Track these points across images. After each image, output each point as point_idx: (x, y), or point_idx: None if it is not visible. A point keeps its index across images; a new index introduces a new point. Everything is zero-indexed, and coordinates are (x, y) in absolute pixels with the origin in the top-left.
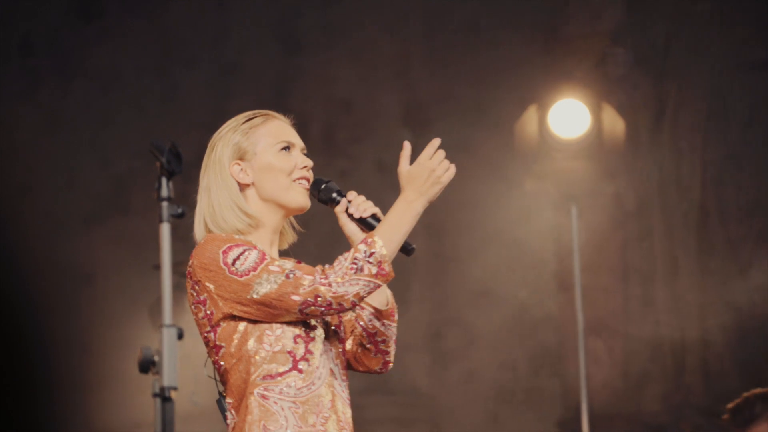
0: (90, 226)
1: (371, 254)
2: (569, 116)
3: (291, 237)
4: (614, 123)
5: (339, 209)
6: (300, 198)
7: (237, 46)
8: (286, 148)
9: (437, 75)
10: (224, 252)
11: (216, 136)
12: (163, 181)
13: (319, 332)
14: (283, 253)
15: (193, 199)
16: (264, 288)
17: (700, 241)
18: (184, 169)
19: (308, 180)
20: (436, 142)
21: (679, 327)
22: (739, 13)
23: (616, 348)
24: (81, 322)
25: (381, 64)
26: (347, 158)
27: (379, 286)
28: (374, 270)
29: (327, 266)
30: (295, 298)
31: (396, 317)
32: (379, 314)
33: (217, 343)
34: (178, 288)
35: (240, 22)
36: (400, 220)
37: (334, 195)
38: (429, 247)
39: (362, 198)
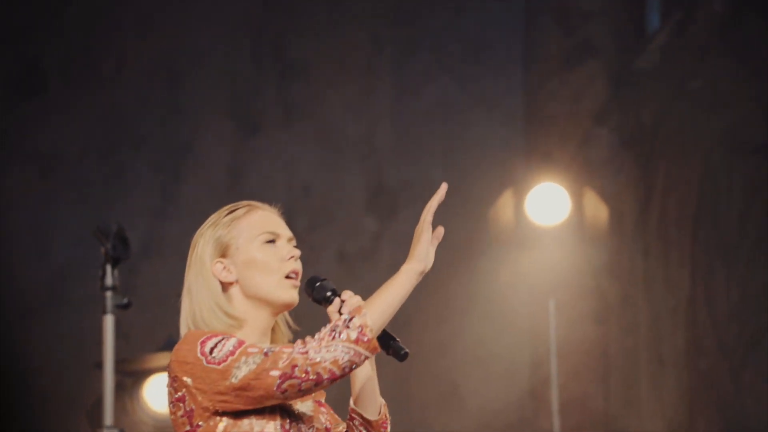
0: (26, 319)
1: (351, 319)
2: (548, 202)
3: (286, 335)
4: (597, 209)
5: (332, 309)
6: (287, 294)
7: (189, 126)
8: (271, 240)
9: (405, 157)
10: (201, 343)
11: (198, 232)
12: (108, 268)
13: None
14: None
15: (142, 291)
16: (242, 371)
17: (688, 340)
18: (130, 259)
19: (297, 273)
20: (441, 190)
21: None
22: (733, 94)
23: None
24: (14, 424)
25: (344, 146)
26: (307, 247)
27: (360, 355)
28: (354, 335)
29: (308, 337)
30: (274, 373)
31: (388, 429)
32: (369, 425)
33: None
34: (120, 387)
35: (192, 100)
36: (390, 289)
37: (328, 294)
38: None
39: (358, 298)
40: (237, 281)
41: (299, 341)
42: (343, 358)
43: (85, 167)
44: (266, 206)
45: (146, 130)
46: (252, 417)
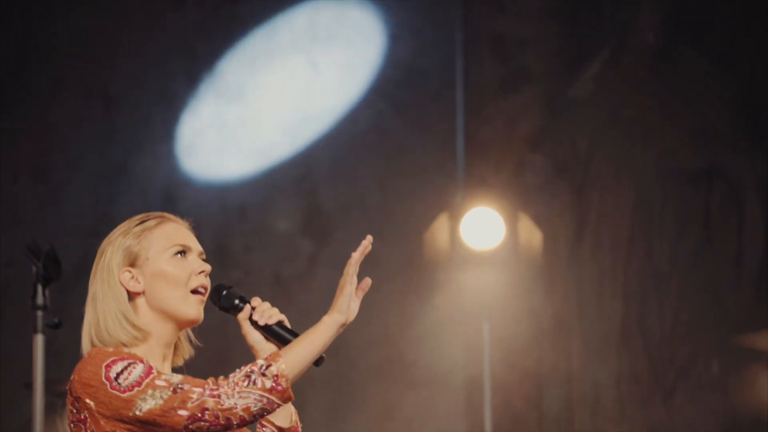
0: None
1: (267, 367)
2: (483, 226)
3: (187, 351)
4: (531, 234)
5: (242, 316)
6: (192, 311)
7: (124, 147)
8: (182, 252)
9: (341, 180)
10: (107, 366)
11: (106, 240)
12: (39, 288)
13: None
14: (177, 370)
15: (74, 312)
16: (148, 404)
17: (621, 366)
18: (63, 280)
19: (206, 288)
20: (365, 243)
21: None
22: (667, 121)
23: None
24: None
25: (279, 168)
26: (241, 269)
27: (273, 403)
28: (269, 384)
29: (221, 378)
30: (182, 413)
31: None
32: None
33: None
34: (51, 409)
35: (128, 120)
36: (310, 338)
37: (237, 301)
38: (327, 365)
39: (267, 304)
40: (144, 292)
41: (211, 380)
42: (255, 406)
43: (16, 187)
44: (178, 219)
45: (80, 152)
46: None
